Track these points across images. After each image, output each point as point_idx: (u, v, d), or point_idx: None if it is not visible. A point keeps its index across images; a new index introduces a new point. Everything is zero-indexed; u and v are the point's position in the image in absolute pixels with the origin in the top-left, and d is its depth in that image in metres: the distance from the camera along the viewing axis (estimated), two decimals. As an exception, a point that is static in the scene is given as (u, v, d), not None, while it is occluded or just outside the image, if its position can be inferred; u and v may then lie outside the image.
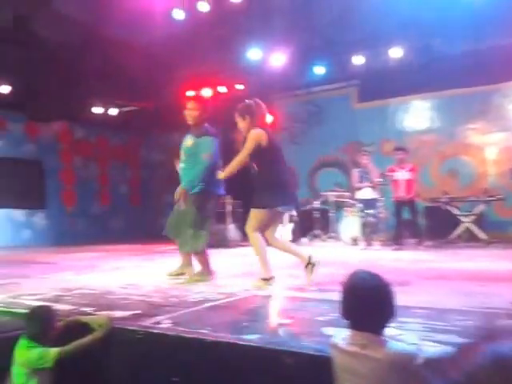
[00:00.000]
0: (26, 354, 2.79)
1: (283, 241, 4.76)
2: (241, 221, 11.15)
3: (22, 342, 2.86)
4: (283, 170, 4.67)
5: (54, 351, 2.80)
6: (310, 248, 9.80)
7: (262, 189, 4.52)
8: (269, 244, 4.64)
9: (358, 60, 10.95)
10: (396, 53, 10.53)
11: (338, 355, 2.02)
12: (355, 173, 9.36)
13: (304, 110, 12.70)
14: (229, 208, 10.65)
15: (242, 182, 12.58)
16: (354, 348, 1.93)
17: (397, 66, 10.59)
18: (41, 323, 2.86)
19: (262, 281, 4.52)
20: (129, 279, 5.32)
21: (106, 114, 13.09)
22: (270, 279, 4.54)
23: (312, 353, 2.35)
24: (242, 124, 4.62)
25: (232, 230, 10.20)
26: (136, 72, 11.00)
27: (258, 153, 4.49)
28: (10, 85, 10.95)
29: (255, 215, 4.53)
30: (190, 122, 5.02)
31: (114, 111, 13.26)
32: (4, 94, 11.02)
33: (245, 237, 10.80)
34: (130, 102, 13.44)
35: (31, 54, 10.25)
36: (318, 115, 12.49)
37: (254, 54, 10.90)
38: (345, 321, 2.04)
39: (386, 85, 10.99)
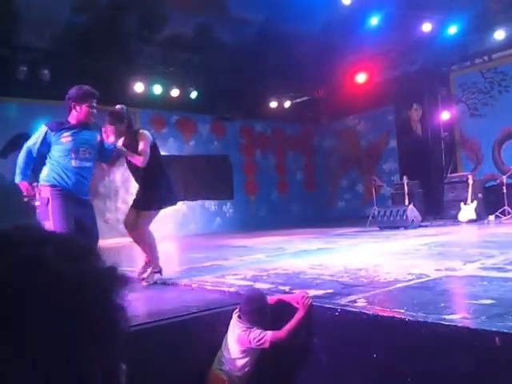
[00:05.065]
0: (244, 335, 3.02)
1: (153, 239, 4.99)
2: (419, 201, 10.80)
3: (239, 322, 3.08)
4: (164, 170, 5.01)
5: (270, 334, 3.00)
6: (498, 227, 9.10)
7: (149, 189, 4.80)
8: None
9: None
10: None
11: None
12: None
13: (484, 79, 11.72)
14: (407, 189, 10.47)
15: (416, 163, 12.13)
16: None
17: None
18: (257, 306, 3.09)
19: (153, 274, 4.85)
20: (316, 260, 5.45)
21: (280, 107, 13.81)
22: (160, 271, 4.87)
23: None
24: (120, 127, 4.73)
25: (411, 210, 9.93)
26: (306, 62, 11.29)
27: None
28: (196, 90, 12.10)
29: (146, 215, 4.85)
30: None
31: (287, 103, 13.94)
32: (192, 99, 12.22)
33: (425, 217, 10.51)
34: (302, 92, 13.88)
35: (212, 58, 11.16)
36: (502, 83, 11.42)
37: (425, 26, 10.39)
38: None
39: None
